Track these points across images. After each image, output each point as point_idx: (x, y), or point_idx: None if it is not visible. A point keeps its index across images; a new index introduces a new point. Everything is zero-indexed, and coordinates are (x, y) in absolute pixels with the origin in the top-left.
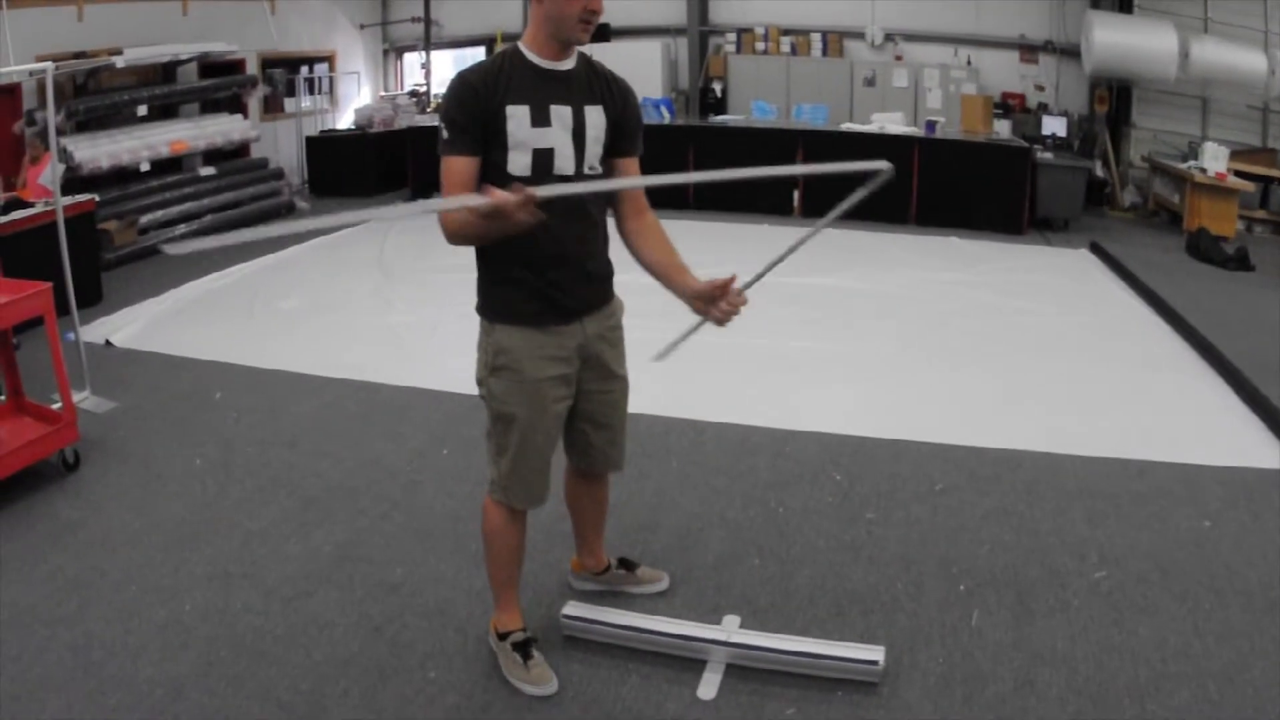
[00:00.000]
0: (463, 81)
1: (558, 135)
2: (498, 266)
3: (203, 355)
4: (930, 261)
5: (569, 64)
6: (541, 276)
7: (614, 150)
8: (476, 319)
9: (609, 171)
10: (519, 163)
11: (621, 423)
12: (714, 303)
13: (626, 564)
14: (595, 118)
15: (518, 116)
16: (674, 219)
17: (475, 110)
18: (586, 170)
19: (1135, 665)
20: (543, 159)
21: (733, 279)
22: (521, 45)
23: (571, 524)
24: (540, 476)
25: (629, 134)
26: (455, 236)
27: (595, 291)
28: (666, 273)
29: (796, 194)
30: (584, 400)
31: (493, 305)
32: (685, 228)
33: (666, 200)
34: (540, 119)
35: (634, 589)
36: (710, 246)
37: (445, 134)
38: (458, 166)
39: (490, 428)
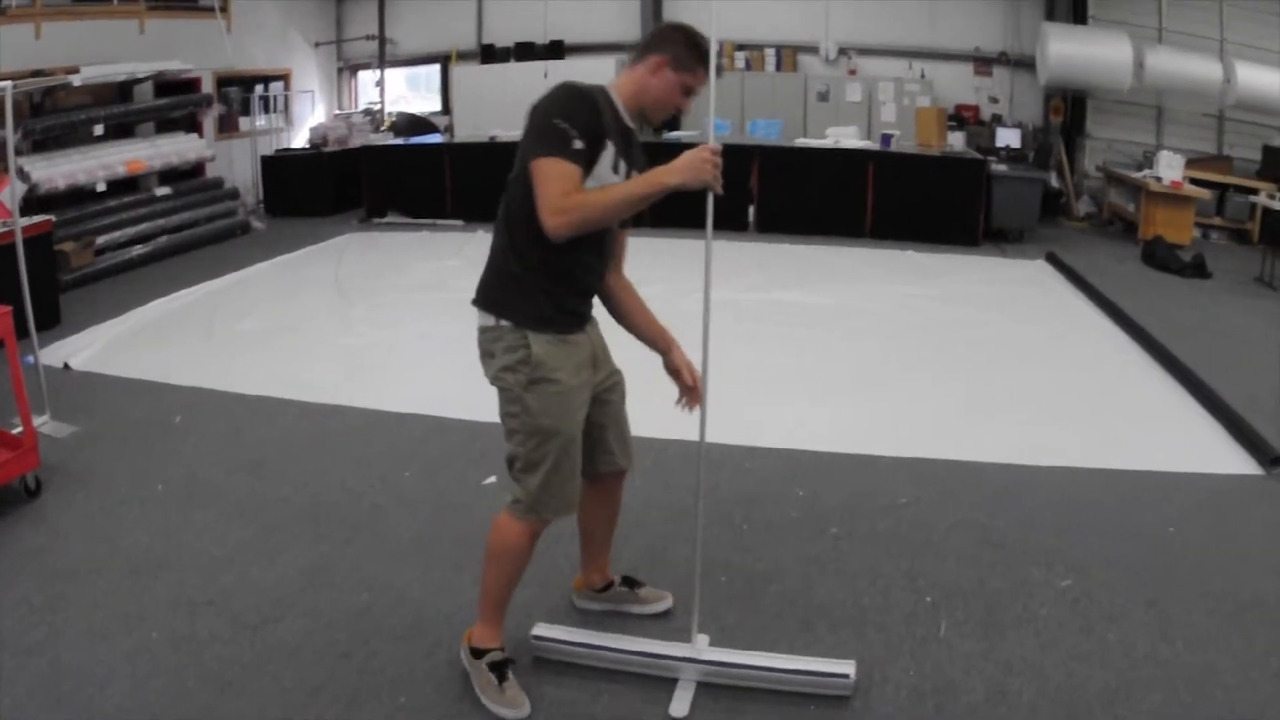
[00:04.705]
0: (589, 96)
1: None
2: (546, 281)
3: (162, 378)
4: (887, 275)
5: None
6: (584, 296)
7: None
8: (436, 339)
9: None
10: None
11: (625, 414)
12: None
13: (630, 582)
14: None
15: (608, 154)
16: (630, 236)
17: (596, 128)
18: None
19: (1105, 671)
20: None
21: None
22: (615, 93)
23: (580, 541)
24: (574, 483)
25: None
26: (589, 224)
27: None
28: (653, 341)
29: (752, 209)
30: (600, 396)
31: (524, 308)
32: (636, 245)
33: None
34: (617, 166)
35: (636, 609)
36: (659, 264)
37: (575, 141)
38: (576, 175)
39: (519, 447)
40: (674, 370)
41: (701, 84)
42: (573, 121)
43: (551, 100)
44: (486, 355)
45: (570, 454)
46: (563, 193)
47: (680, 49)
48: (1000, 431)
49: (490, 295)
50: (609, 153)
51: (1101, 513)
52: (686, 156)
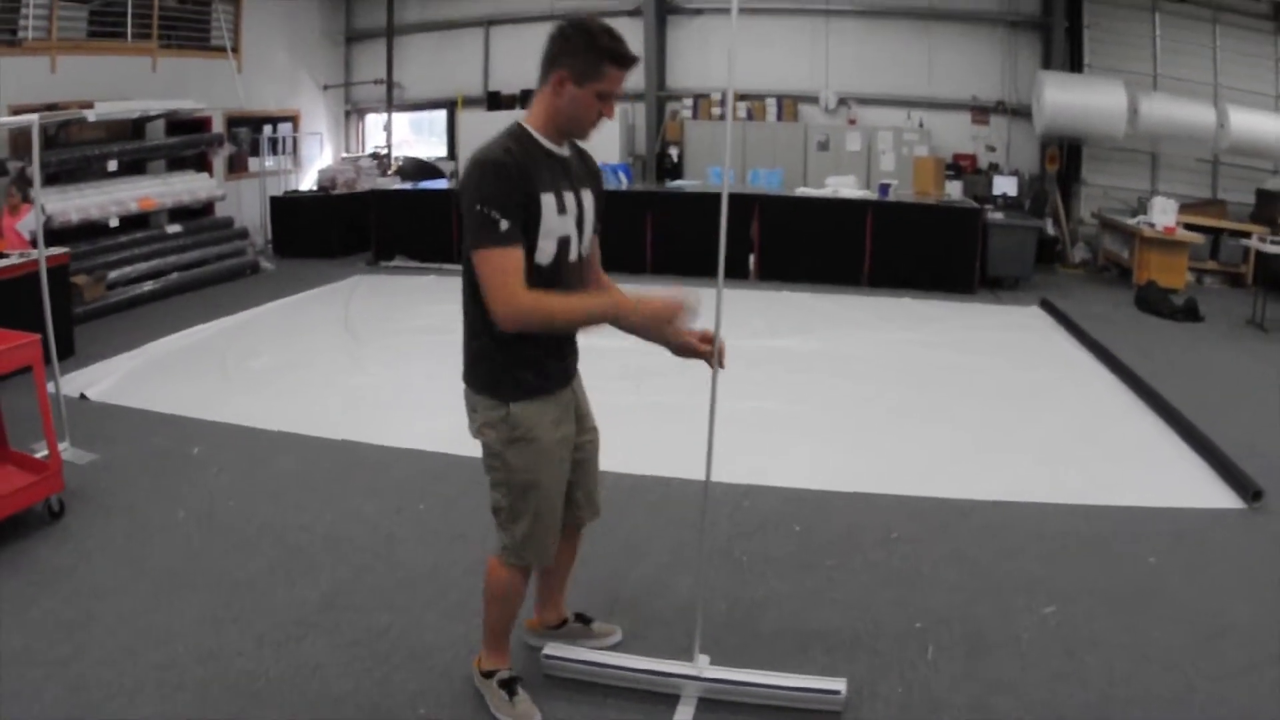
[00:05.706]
0: (502, 165)
1: (571, 222)
2: (523, 350)
3: (178, 411)
4: (884, 322)
5: (566, 149)
6: (560, 355)
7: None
8: (445, 379)
9: None
10: (546, 251)
11: (598, 470)
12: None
13: (583, 618)
14: (588, 200)
15: (549, 204)
16: (631, 282)
17: (520, 197)
18: (582, 253)
19: (1085, 690)
20: (563, 247)
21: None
22: (529, 127)
23: (538, 582)
24: (555, 534)
25: (601, 211)
26: (545, 327)
27: (577, 354)
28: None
29: (753, 257)
30: (574, 456)
31: (506, 385)
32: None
33: (623, 264)
34: (561, 207)
35: (589, 643)
36: None
37: (501, 223)
38: (516, 260)
39: (503, 499)
40: (685, 349)
41: (618, 85)
42: (492, 203)
43: (472, 185)
44: (470, 410)
45: (551, 505)
46: (505, 285)
47: (577, 57)
48: (990, 470)
49: (477, 377)
50: (549, 205)
51: (1085, 545)
52: (660, 308)
